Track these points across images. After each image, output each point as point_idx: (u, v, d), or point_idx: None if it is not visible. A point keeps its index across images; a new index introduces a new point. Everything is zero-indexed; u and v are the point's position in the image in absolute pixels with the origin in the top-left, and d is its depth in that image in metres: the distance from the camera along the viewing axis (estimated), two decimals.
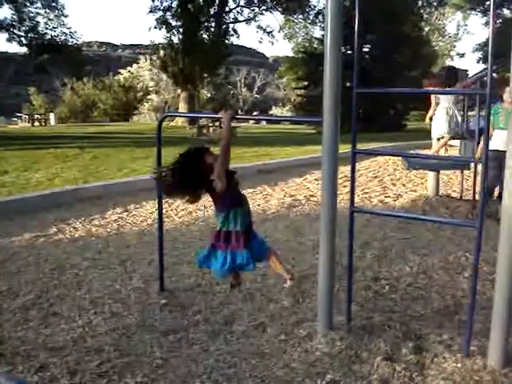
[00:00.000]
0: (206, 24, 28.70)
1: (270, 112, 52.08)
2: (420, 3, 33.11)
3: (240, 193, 2.87)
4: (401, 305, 3.26)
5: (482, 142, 5.42)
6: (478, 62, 39.07)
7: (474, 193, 6.07)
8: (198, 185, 2.78)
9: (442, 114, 6.49)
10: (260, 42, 44.70)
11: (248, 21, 31.77)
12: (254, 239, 2.89)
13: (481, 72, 6.66)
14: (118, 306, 3.27)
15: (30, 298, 3.40)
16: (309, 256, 4.19)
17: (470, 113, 7.03)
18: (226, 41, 30.03)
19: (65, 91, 40.25)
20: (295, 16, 34.62)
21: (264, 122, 34.66)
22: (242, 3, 30.79)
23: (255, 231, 3.01)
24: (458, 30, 48.02)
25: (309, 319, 3.00)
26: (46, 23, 26.46)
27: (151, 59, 34.85)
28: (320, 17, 30.68)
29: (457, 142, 7.63)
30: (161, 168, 2.96)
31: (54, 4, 26.56)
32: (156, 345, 2.74)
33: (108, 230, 5.26)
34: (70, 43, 27.03)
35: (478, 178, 5.23)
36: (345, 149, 2.70)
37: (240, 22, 31.49)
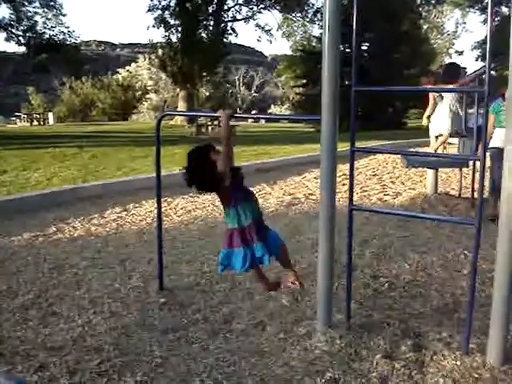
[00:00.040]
0: (204, 23, 28.73)
1: (269, 110, 52.06)
2: (418, 1, 33.13)
3: (247, 188, 2.86)
4: (400, 303, 3.27)
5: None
6: (477, 60, 39.14)
7: (473, 190, 6.08)
8: (207, 182, 2.77)
9: (445, 110, 6.47)
10: (258, 40, 44.72)
11: (246, 19, 31.79)
12: (268, 233, 2.87)
13: (479, 70, 6.67)
14: (117, 305, 3.27)
15: (29, 297, 3.40)
16: (308, 254, 4.20)
17: (469, 110, 7.03)
18: (225, 39, 30.05)
19: (63, 90, 40.25)
20: (293, 14, 34.67)
21: (263, 121, 34.62)
22: (240, 1, 30.85)
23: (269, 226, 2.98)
24: (457, 27, 48.15)
25: (308, 317, 3.00)
26: (44, 22, 26.50)
27: (150, 58, 34.87)
28: (318, 15, 30.71)
29: (455, 140, 7.64)
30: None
31: (52, 3, 26.57)
32: (155, 344, 2.74)
33: (107, 229, 5.26)
34: (68, 42, 27.03)
35: (477, 176, 5.24)
36: (344, 147, 2.71)
37: (238, 20, 31.52)
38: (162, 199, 3.80)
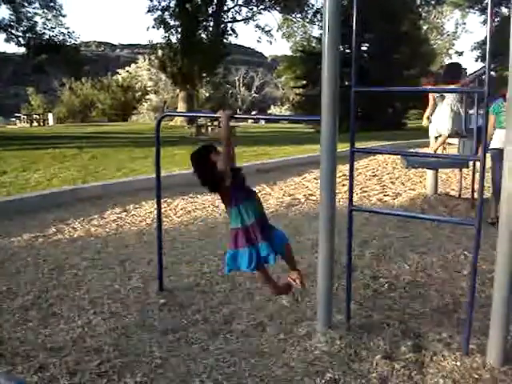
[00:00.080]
0: (204, 23, 28.70)
1: (269, 111, 52.09)
2: (418, 2, 33.12)
3: (248, 188, 2.86)
4: (400, 303, 3.27)
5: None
6: (477, 61, 39.16)
7: (473, 191, 6.08)
8: (208, 182, 2.78)
9: (446, 110, 6.47)
10: (258, 41, 44.80)
11: (246, 20, 31.78)
12: (274, 233, 2.87)
13: (479, 70, 6.67)
14: (117, 305, 3.27)
15: (29, 298, 3.40)
16: (308, 255, 4.19)
17: (469, 111, 7.02)
18: (225, 40, 30.02)
19: (63, 91, 40.28)
20: (293, 15, 34.66)
21: (263, 122, 34.63)
22: (240, 2, 30.83)
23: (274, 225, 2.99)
24: (457, 28, 48.18)
25: (308, 318, 3.00)
26: (44, 23, 26.48)
27: (150, 59, 34.88)
28: (318, 16, 30.71)
29: (455, 141, 7.64)
30: None
31: (51, 4, 26.54)
32: (155, 344, 2.74)
33: (107, 229, 5.26)
34: (68, 43, 27.01)
35: (477, 177, 5.24)
36: (343, 147, 2.70)
37: (238, 21, 31.48)
38: (162, 200, 3.80)
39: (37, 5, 26.14)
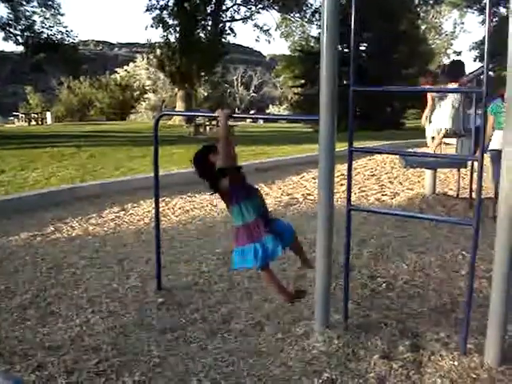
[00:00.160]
0: (202, 23, 28.69)
1: (267, 111, 52.09)
2: (416, 1, 33.12)
3: (249, 185, 2.87)
4: (397, 303, 3.27)
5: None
6: (475, 61, 39.10)
7: (471, 191, 6.09)
8: (209, 181, 2.80)
9: (447, 108, 6.46)
10: (257, 40, 44.54)
11: (245, 19, 31.79)
12: (278, 224, 2.89)
13: (477, 70, 6.67)
14: (115, 304, 3.27)
15: (27, 297, 3.39)
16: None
17: (467, 111, 7.02)
18: (223, 39, 30.03)
19: (61, 90, 40.26)
20: (292, 14, 34.66)
21: (261, 121, 34.66)
22: (238, 1, 30.84)
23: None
24: (455, 28, 48.22)
25: (306, 318, 3.00)
26: (42, 22, 26.40)
27: (148, 58, 34.85)
28: (317, 15, 30.71)
29: (453, 141, 7.64)
30: None
31: (50, 3, 26.47)
32: (153, 343, 2.74)
33: (105, 228, 5.25)
34: (66, 42, 26.95)
35: (475, 176, 5.24)
36: (342, 147, 2.70)
37: (237, 20, 31.51)
38: (160, 199, 3.80)
39: (35, 3, 26.11)
